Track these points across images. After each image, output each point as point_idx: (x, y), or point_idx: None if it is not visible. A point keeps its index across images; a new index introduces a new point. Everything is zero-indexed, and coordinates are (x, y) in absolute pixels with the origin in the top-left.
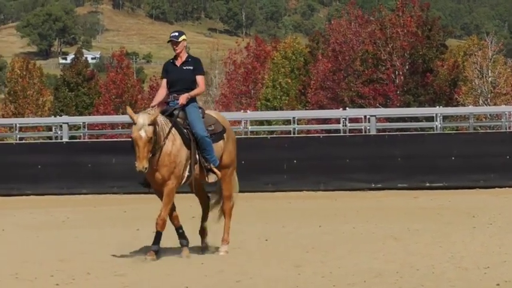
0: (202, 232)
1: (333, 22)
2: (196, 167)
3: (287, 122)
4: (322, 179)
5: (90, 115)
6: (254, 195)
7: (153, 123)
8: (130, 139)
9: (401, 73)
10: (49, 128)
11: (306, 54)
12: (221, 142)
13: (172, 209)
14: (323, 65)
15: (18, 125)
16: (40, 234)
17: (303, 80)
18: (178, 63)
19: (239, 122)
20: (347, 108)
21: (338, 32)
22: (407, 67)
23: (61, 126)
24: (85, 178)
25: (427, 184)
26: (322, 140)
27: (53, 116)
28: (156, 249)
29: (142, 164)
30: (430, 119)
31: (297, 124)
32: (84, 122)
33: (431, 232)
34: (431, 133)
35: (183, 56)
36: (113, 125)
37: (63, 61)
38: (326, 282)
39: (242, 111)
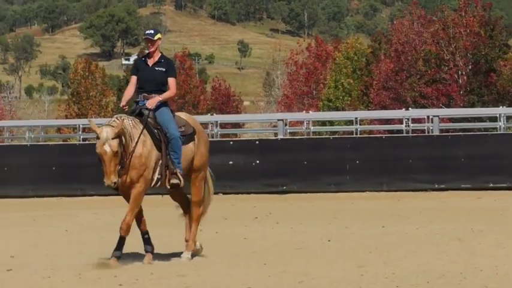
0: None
1: (395, 22)
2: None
3: (349, 122)
4: (385, 179)
5: None
6: (316, 196)
7: (118, 136)
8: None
9: (464, 73)
10: None
11: (368, 55)
12: (191, 144)
13: (140, 213)
14: (385, 65)
15: (81, 126)
16: (103, 235)
17: (365, 80)
18: (150, 62)
19: (301, 123)
20: (410, 108)
21: (400, 32)
22: (470, 67)
23: None
24: None
25: (491, 184)
26: (384, 140)
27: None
28: (118, 255)
29: (110, 180)
30: (494, 119)
31: (359, 124)
32: None
33: (495, 233)
34: (495, 133)
35: (156, 56)
36: None
37: (126, 62)
38: (389, 282)
39: (304, 111)
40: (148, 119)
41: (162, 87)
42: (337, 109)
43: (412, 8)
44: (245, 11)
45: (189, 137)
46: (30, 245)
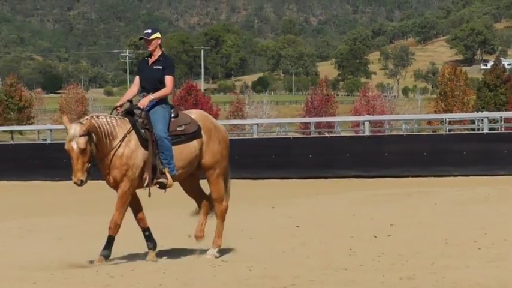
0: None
1: None
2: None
3: None
4: None
5: (506, 111)
6: None
7: (86, 133)
8: None
9: None
10: (472, 122)
11: None
12: (195, 142)
13: (139, 209)
14: None
15: (447, 119)
16: (466, 208)
17: None
18: (150, 61)
19: None
20: None
21: None
22: None
23: (482, 120)
24: (501, 162)
25: None
26: None
27: (475, 112)
28: (106, 254)
29: (76, 177)
30: None
31: None
32: (501, 117)
33: None
34: None
35: (156, 55)
36: None
37: (484, 67)
38: None
39: None
40: (139, 119)
41: (159, 86)
42: None
43: None
44: None
45: (190, 135)
46: (407, 216)
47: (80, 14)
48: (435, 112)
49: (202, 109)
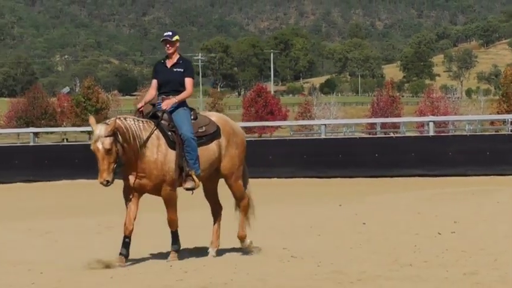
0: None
1: None
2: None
3: None
4: None
5: None
6: None
7: (112, 134)
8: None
9: None
10: None
11: None
12: (213, 145)
13: (135, 215)
14: None
15: (509, 120)
16: None
17: None
18: (169, 64)
19: None
20: None
21: None
22: None
23: None
24: None
25: None
26: None
27: None
28: (176, 248)
29: (102, 178)
30: None
31: None
32: None
33: None
34: None
35: (175, 58)
36: None
37: None
38: None
39: None
40: (162, 121)
41: (180, 88)
42: None
43: None
44: None
45: (210, 136)
46: (470, 213)
47: (154, 19)
48: (497, 113)
49: (272, 110)
